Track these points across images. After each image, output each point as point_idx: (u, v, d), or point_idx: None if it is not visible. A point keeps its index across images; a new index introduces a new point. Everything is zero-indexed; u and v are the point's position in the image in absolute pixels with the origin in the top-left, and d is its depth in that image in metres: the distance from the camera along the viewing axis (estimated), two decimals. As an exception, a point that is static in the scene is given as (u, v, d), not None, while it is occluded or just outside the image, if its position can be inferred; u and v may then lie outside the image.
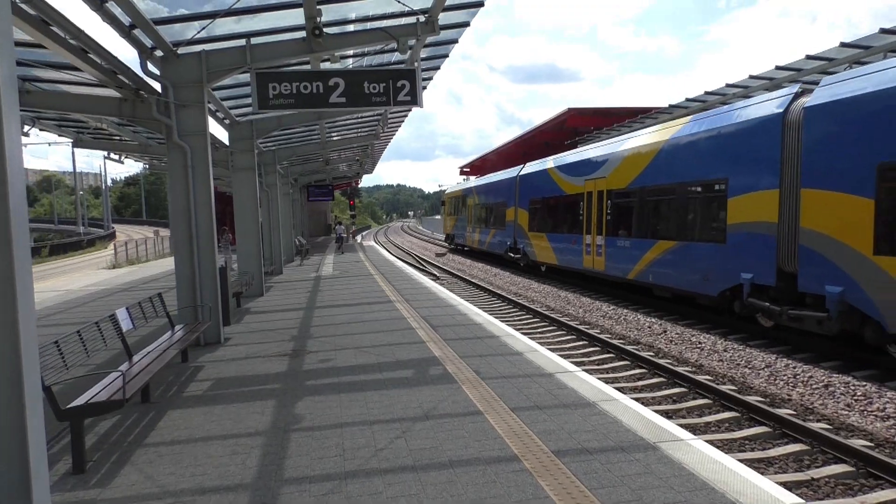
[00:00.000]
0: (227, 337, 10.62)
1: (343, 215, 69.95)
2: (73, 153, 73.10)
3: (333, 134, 23.46)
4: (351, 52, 12.21)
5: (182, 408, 6.69)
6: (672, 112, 21.42)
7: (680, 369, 9.88)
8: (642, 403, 7.34)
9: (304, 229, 40.56)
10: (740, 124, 12.20)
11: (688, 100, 20.45)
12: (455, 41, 12.56)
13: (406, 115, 23.33)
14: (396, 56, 13.17)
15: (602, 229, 17.66)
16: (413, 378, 7.43)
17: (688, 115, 17.63)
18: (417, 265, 30.58)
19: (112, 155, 18.92)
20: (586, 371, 8.18)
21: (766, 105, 11.81)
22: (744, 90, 17.89)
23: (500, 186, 28.60)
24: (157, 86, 9.85)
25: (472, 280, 23.30)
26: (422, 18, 10.01)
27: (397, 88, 9.91)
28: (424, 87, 10.69)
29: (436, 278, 24.16)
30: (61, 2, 7.64)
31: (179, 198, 9.87)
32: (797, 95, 11.25)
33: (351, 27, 10.69)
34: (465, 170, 61.42)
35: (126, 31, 8.59)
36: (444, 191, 52.68)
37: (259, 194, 18.48)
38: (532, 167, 24.57)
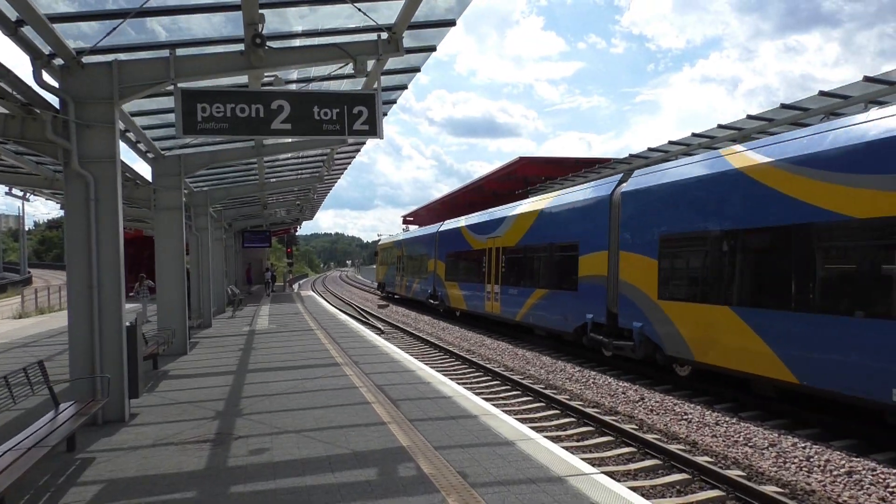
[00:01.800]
0: (133, 412, 8.48)
1: (280, 263, 67.31)
2: (-14, 192, 67.86)
3: (272, 176, 21.63)
4: (295, 76, 10.61)
5: (48, 535, 4.68)
6: (631, 162, 20.71)
7: (673, 447, 8.52)
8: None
9: (237, 278, 37.98)
10: (586, 201, 15.63)
11: (650, 149, 19.73)
12: (418, 69, 11.11)
13: (354, 156, 21.78)
14: (345, 84, 11.64)
15: (498, 279, 20.94)
16: (377, 483, 5.57)
17: (645, 165, 17.78)
18: (360, 317, 28.65)
19: (15, 191, 16.55)
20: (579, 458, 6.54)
21: (601, 187, 15.24)
22: (710, 140, 17.33)
23: (423, 240, 32.23)
24: (55, 101, 7.95)
25: (421, 335, 21.58)
26: (384, 35, 8.55)
27: (353, 116, 8.30)
28: (384, 116, 9.17)
29: (380, 332, 22.36)
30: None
31: (78, 239, 7.86)
32: (620, 181, 14.51)
33: (297, 42, 9.10)
34: (408, 219, 60.27)
35: (12, 29, 6.76)
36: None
37: (187, 238, 16.40)
38: (449, 225, 28.13)
